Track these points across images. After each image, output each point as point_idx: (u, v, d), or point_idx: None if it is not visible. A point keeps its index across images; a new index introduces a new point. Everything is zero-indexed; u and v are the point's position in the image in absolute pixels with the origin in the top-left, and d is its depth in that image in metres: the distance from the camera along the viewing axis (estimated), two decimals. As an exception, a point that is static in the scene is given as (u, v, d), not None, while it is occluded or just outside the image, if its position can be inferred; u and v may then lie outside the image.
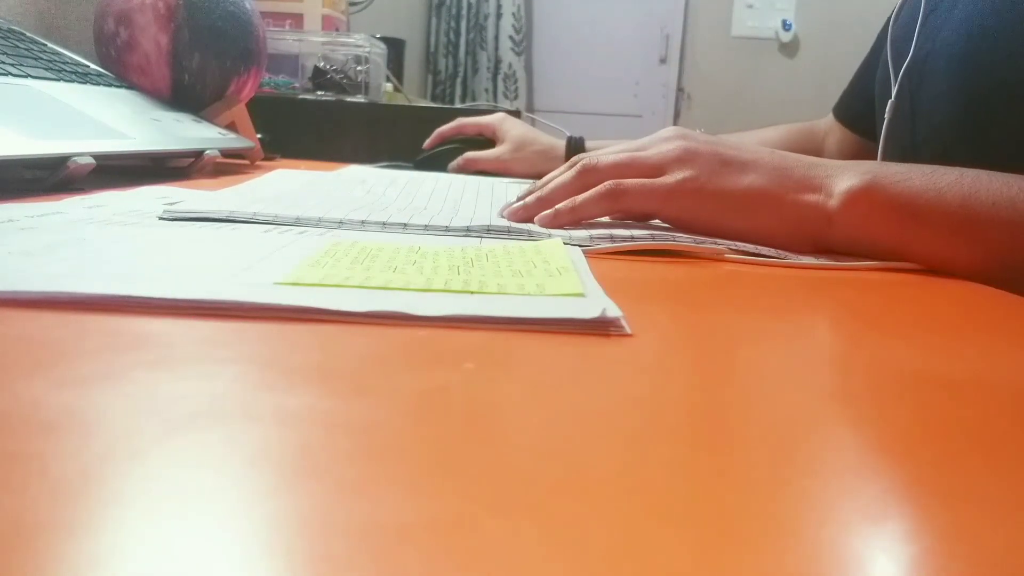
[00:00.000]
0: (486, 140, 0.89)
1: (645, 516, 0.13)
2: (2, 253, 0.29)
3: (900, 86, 0.61)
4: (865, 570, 0.12)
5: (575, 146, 0.85)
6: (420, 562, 0.11)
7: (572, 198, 0.45)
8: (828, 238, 0.43)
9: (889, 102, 0.61)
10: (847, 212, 0.42)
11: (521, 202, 0.48)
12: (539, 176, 0.53)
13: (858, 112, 0.76)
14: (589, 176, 0.45)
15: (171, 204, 0.42)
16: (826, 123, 0.83)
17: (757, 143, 0.72)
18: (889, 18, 0.68)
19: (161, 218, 0.40)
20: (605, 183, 0.44)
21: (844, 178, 0.43)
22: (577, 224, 0.44)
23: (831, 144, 0.81)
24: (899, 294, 0.38)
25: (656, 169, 0.44)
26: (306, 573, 0.11)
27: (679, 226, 0.46)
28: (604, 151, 0.48)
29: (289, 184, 0.59)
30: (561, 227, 0.44)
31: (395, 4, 3.02)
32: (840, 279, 0.39)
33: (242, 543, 0.12)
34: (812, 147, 0.81)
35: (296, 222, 0.42)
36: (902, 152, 0.61)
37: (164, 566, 0.11)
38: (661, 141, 0.46)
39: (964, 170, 0.43)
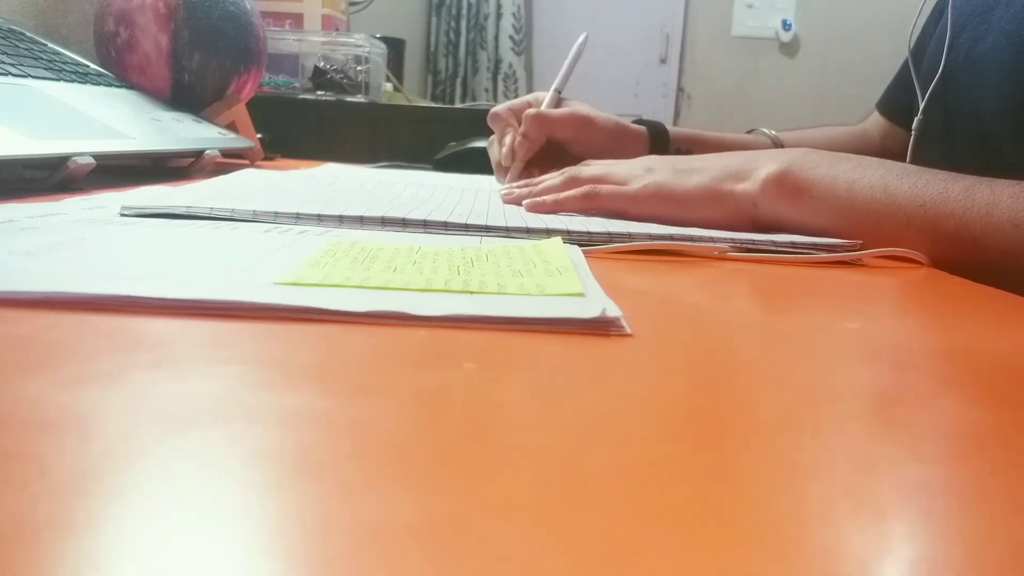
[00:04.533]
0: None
1: (646, 516, 0.13)
2: (2, 253, 0.29)
3: (928, 102, 0.65)
4: (866, 570, 0.12)
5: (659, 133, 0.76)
6: (421, 562, 0.11)
7: (557, 193, 0.55)
8: (756, 218, 0.51)
9: (916, 119, 0.66)
10: (764, 195, 0.50)
11: (517, 189, 0.58)
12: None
13: (905, 106, 0.77)
14: (573, 182, 0.56)
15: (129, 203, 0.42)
16: (876, 125, 0.83)
17: (816, 140, 0.79)
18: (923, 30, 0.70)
19: (122, 215, 0.40)
20: (585, 186, 0.54)
21: (766, 166, 0.51)
22: (554, 213, 0.53)
23: (889, 146, 0.80)
24: (900, 291, 0.38)
25: (624, 180, 0.54)
26: (306, 573, 0.11)
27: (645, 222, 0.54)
28: (585, 164, 0.59)
29: (254, 183, 0.59)
30: (541, 212, 0.53)
31: (395, 4, 3.02)
32: (841, 277, 0.39)
33: (242, 543, 0.12)
34: (868, 152, 0.80)
35: (275, 217, 0.42)
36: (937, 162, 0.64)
37: (164, 566, 0.11)
38: (630, 161, 0.57)
39: (883, 162, 0.49)
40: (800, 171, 0.50)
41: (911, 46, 0.69)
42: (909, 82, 0.70)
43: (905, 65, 0.78)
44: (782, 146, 0.76)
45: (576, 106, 0.76)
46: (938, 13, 0.72)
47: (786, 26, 3.25)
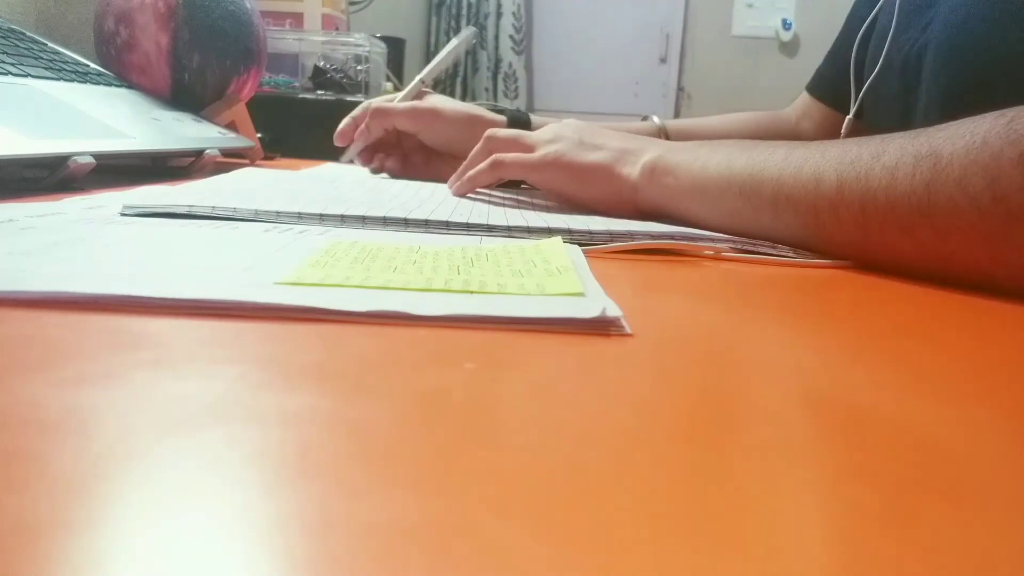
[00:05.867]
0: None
1: (645, 516, 0.13)
2: (2, 253, 0.29)
3: (860, 104, 0.66)
4: (865, 570, 0.12)
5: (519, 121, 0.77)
6: (420, 562, 0.11)
7: (468, 172, 0.57)
8: (638, 205, 0.52)
9: (847, 119, 0.67)
10: (642, 180, 0.51)
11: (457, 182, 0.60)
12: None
13: (839, 90, 0.77)
14: (489, 143, 0.58)
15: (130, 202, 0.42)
16: (798, 108, 0.83)
17: (722, 126, 0.79)
18: (860, 16, 0.70)
19: (123, 214, 0.40)
20: (489, 158, 0.56)
21: (648, 152, 0.51)
22: (472, 191, 0.57)
23: (807, 128, 0.81)
24: (898, 292, 0.38)
25: (531, 147, 0.56)
26: (306, 573, 0.11)
27: (545, 191, 0.58)
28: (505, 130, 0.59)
29: (254, 181, 0.59)
30: (463, 195, 0.57)
31: (395, 4, 3.02)
32: (839, 278, 0.39)
33: (242, 543, 0.12)
34: (782, 134, 0.81)
35: (276, 217, 0.42)
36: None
37: (164, 566, 0.11)
38: (549, 126, 0.58)
39: (743, 142, 0.49)
40: (668, 155, 0.50)
41: (859, 37, 0.69)
42: (841, 66, 0.71)
43: (835, 48, 0.78)
44: (667, 135, 0.77)
45: (433, 99, 0.78)
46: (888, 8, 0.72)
47: (786, 26, 3.24)
